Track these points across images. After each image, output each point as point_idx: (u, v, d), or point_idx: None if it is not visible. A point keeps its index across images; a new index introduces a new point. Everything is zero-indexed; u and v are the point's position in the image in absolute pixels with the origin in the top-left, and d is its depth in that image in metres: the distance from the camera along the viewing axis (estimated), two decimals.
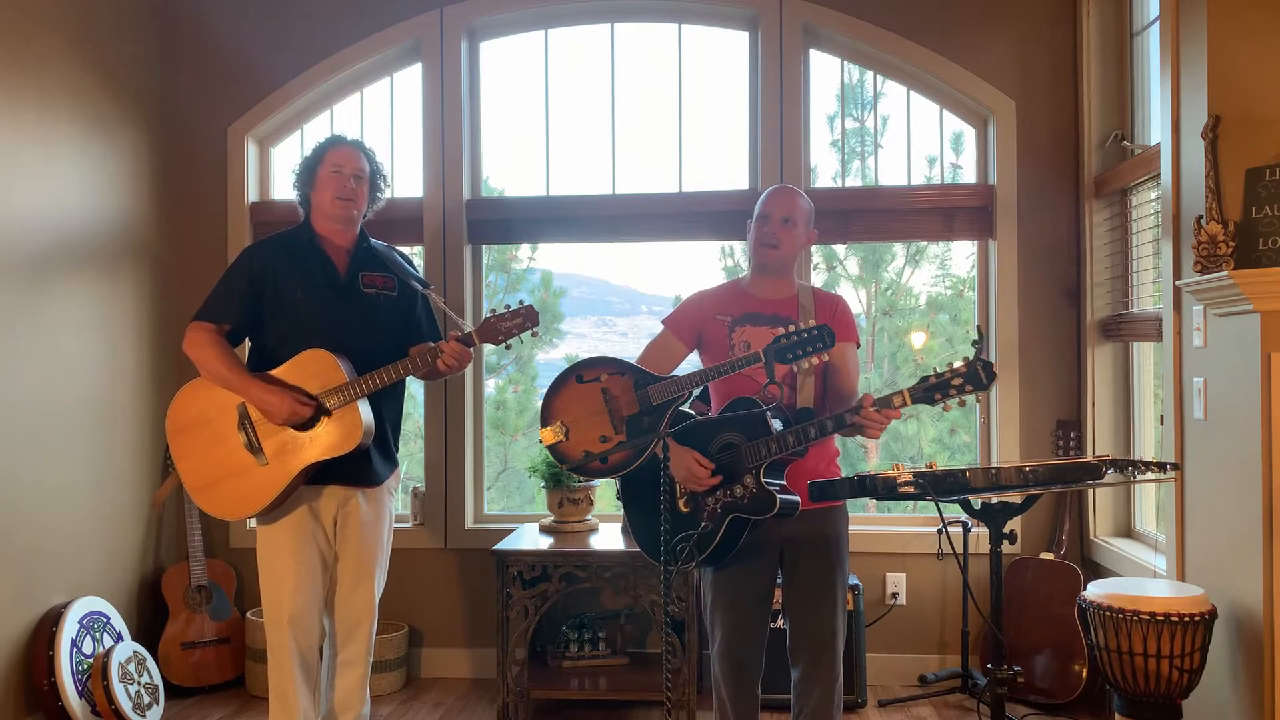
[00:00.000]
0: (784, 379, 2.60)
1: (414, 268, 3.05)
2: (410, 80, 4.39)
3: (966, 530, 3.74)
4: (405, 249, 3.15)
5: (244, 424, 2.79)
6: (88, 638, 3.57)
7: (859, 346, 2.76)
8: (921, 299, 5.01)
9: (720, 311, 2.71)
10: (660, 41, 4.34)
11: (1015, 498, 2.40)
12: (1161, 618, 2.64)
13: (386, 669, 4.01)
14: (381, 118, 4.45)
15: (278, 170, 4.51)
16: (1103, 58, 3.88)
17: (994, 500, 2.40)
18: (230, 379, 2.79)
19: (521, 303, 2.80)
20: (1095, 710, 3.62)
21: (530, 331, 2.79)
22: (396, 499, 3.09)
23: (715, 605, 2.65)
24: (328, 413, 2.74)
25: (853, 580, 3.82)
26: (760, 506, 2.45)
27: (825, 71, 4.28)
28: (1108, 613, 2.72)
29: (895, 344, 4.99)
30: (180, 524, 4.20)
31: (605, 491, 4.22)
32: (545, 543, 3.73)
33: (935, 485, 2.27)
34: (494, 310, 2.80)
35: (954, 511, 2.78)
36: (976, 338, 2.31)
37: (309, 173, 2.93)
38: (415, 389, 4.28)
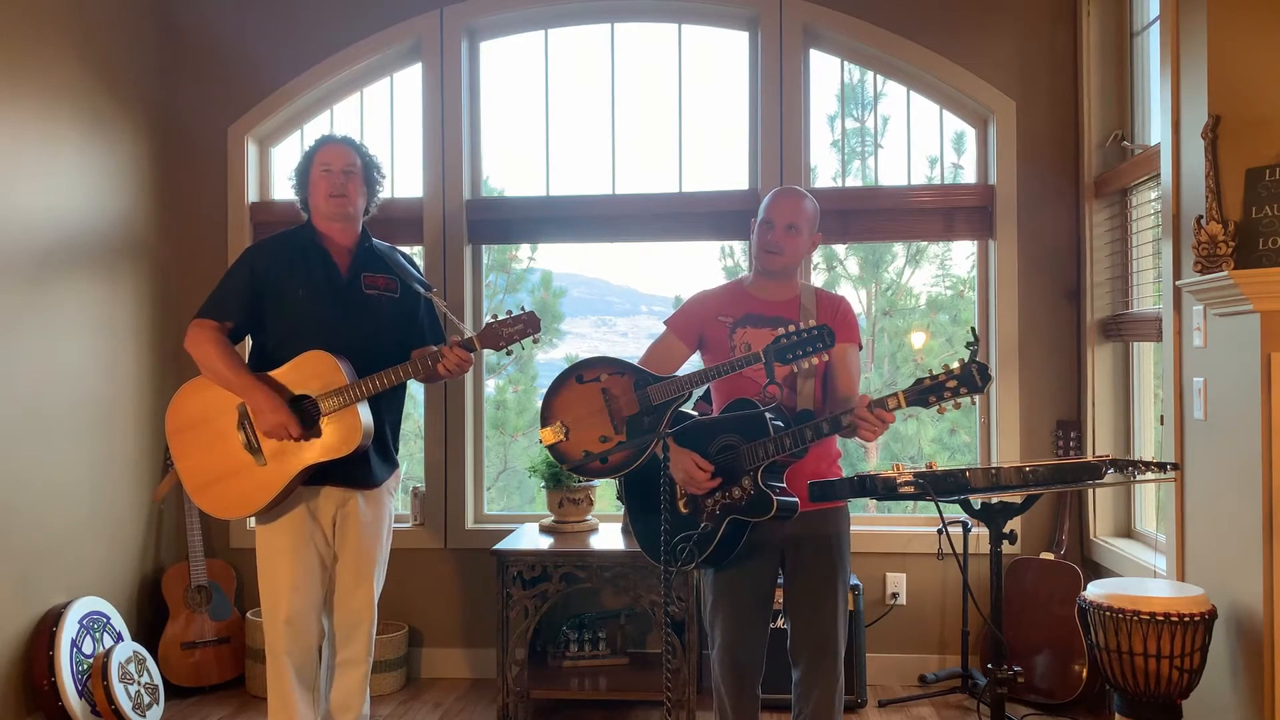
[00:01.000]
0: (784, 380, 2.60)
1: (417, 270, 3.05)
2: (410, 80, 4.39)
3: (966, 530, 3.74)
4: (405, 249, 3.15)
5: (243, 424, 2.79)
6: (88, 638, 3.57)
7: (860, 348, 2.76)
8: (921, 299, 5.01)
9: (721, 312, 2.71)
10: (660, 41, 4.34)
11: (1015, 498, 2.40)
12: (1161, 618, 2.64)
13: (386, 669, 4.01)
14: (381, 118, 4.45)
15: (278, 170, 4.51)
16: (1103, 58, 3.88)
17: (994, 500, 2.40)
18: (231, 378, 2.79)
19: (523, 308, 2.80)
20: (1095, 710, 3.62)
21: (532, 338, 2.79)
22: (396, 499, 3.09)
23: (716, 605, 2.65)
24: (318, 435, 2.74)
25: (853, 580, 3.82)
26: (758, 508, 2.45)
27: (825, 71, 4.28)
28: (1108, 613, 2.72)
29: (895, 344, 4.99)
30: (180, 524, 4.20)
31: (605, 491, 4.22)
32: (545, 543, 3.73)
33: (935, 485, 2.27)
34: (495, 316, 2.80)
35: (954, 511, 2.77)
36: (972, 340, 2.30)
37: (302, 176, 2.94)
38: (415, 389, 4.28)
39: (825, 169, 4.31)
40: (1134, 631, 2.67)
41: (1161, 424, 3.21)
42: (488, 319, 2.80)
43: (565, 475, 3.86)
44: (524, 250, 5.04)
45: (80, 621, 3.56)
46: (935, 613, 4.07)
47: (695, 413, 2.74)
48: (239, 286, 2.87)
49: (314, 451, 2.75)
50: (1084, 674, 3.58)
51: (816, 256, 4.49)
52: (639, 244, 4.43)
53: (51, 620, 3.49)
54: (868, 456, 4.69)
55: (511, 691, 3.58)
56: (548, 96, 4.38)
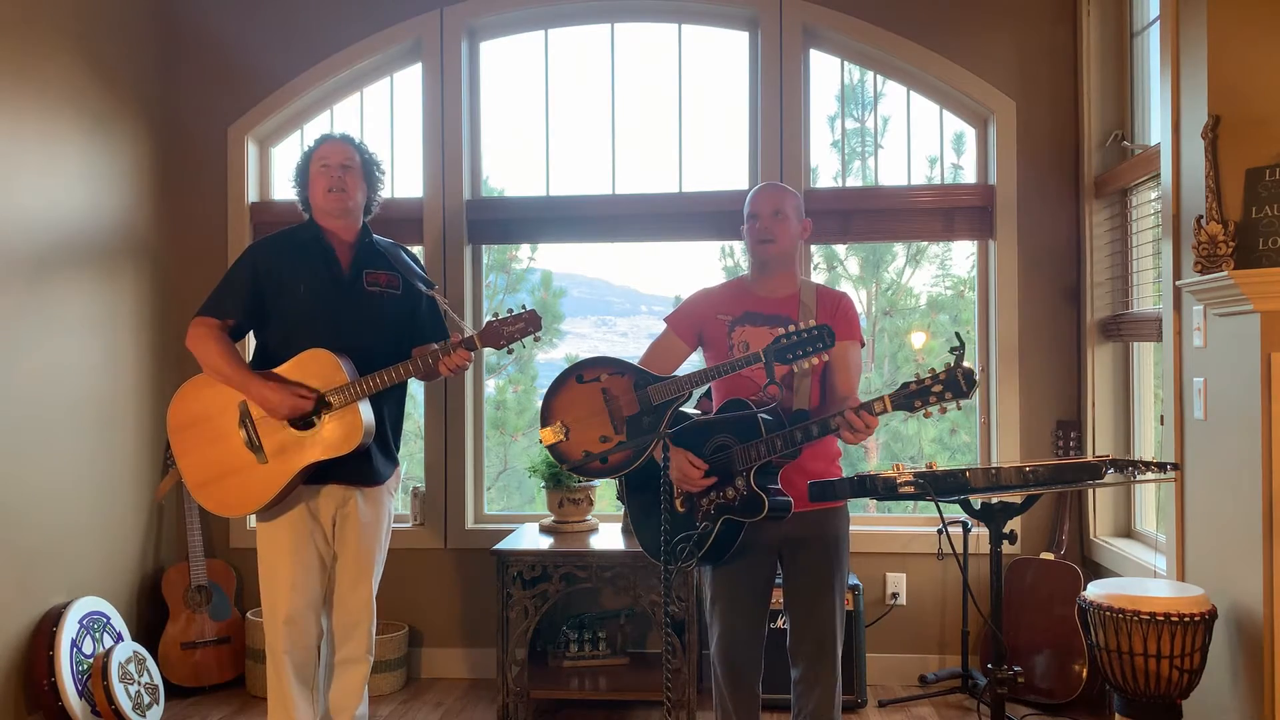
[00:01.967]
0: (782, 379, 2.60)
1: (421, 267, 3.05)
2: (410, 80, 4.39)
3: (966, 530, 3.74)
4: (409, 248, 3.14)
5: (244, 421, 2.79)
6: (88, 638, 3.57)
7: (862, 345, 2.75)
8: (922, 299, 5.01)
9: (721, 310, 2.71)
10: (660, 41, 4.34)
11: (1015, 498, 2.40)
12: (1161, 618, 2.64)
13: (386, 669, 4.01)
14: (381, 118, 4.45)
15: (278, 170, 4.51)
16: (1103, 58, 3.88)
17: (994, 500, 2.39)
18: (231, 375, 2.79)
19: (524, 307, 2.80)
20: (1095, 710, 3.62)
21: (533, 336, 2.79)
22: (396, 499, 3.09)
23: (715, 604, 2.65)
24: (329, 405, 2.74)
25: (853, 580, 3.82)
26: (750, 509, 2.45)
27: (825, 71, 4.28)
28: (1108, 613, 2.72)
29: (895, 344, 4.99)
30: (180, 524, 4.20)
31: (605, 491, 4.22)
32: (545, 543, 3.73)
33: (935, 485, 2.27)
34: (496, 314, 2.80)
35: (954, 511, 2.77)
36: (957, 344, 2.28)
37: (302, 174, 2.95)
38: (415, 389, 4.28)
39: (825, 169, 4.31)
40: (1134, 631, 2.67)
41: (1161, 424, 3.21)
42: (489, 317, 2.80)
43: (565, 475, 3.86)
44: (524, 250, 5.03)
45: (80, 621, 3.56)
46: (935, 613, 4.07)
47: (697, 411, 2.74)
48: (240, 284, 2.87)
49: (315, 449, 2.75)
50: (1084, 674, 3.58)
51: (817, 257, 4.49)
52: (639, 244, 4.43)
53: (51, 620, 3.49)
54: (868, 456, 4.69)
55: (511, 691, 3.58)
56: (548, 96, 4.38)
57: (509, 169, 4.49)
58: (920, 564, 4.06)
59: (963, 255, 4.77)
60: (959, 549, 3.77)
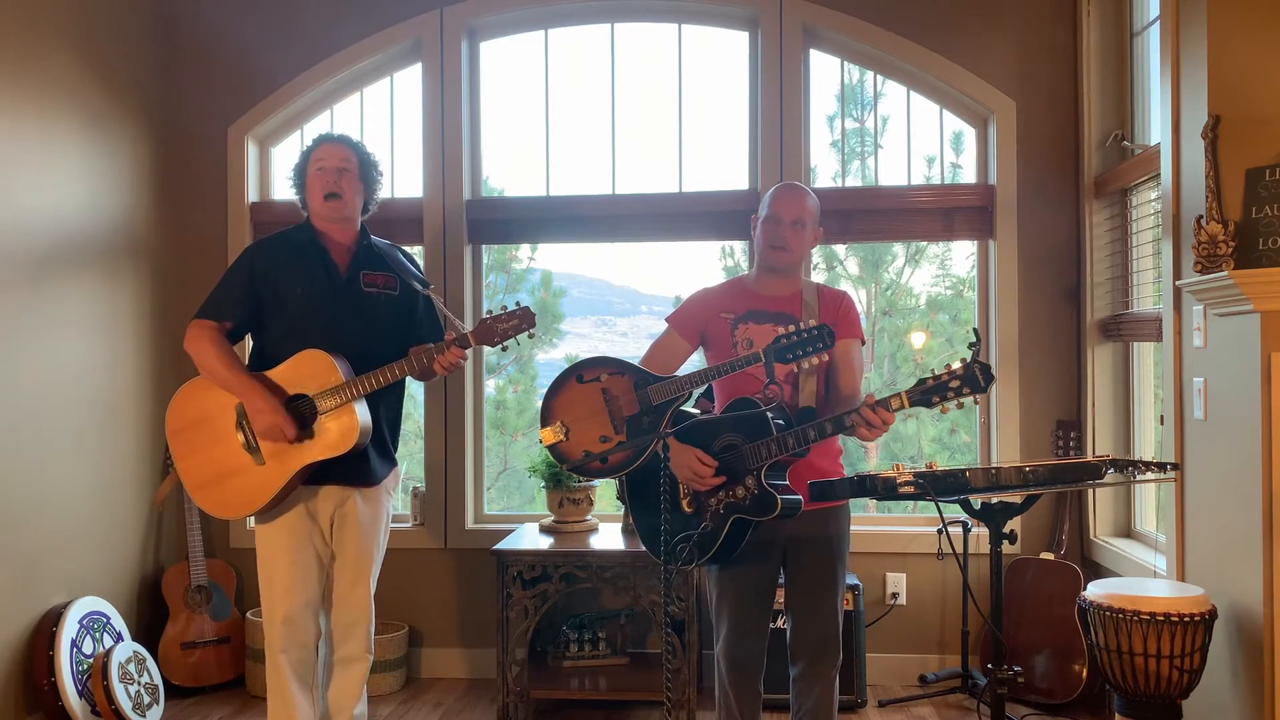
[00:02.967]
0: (786, 378, 2.61)
1: (417, 267, 3.05)
2: (410, 80, 4.39)
3: (966, 530, 3.74)
4: (405, 249, 3.14)
5: (242, 423, 2.79)
6: (88, 638, 3.57)
7: (864, 343, 2.76)
8: (921, 299, 5.01)
9: (723, 309, 2.71)
10: (660, 41, 4.34)
11: (1015, 498, 2.40)
12: (1161, 618, 2.64)
13: (386, 669, 4.01)
14: (381, 118, 4.45)
15: (278, 170, 4.51)
16: (1103, 58, 3.88)
17: (994, 500, 2.39)
18: (228, 378, 2.79)
19: (519, 304, 2.80)
20: (1095, 710, 3.62)
21: (527, 333, 2.78)
22: (395, 499, 3.09)
23: (721, 603, 2.66)
24: (311, 436, 2.74)
25: (853, 580, 3.82)
26: (762, 508, 2.45)
27: (825, 71, 4.28)
28: (1108, 613, 2.72)
29: (895, 344, 4.99)
30: (180, 524, 4.20)
31: (605, 491, 4.22)
32: (545, 543, 3.73)
33: (935, 485, 2.27)
34: (490, 311, 2.79)
35: (954, 511, 2.77)
36: (974, 340, 2.30)
37: (300, 175, 2.94)
38: (415, 389, 4.28)
39: (825, 169, 4.31)
40: (1134, 631, 2.67)
41: (1161, 424, 3.21)
42: (484, 315, 2.80)
43: (565, 475, 3.86)
44: (524, 250, 5.04)
45: (80, 621, 3.56)
46: (935, 613, 4.07)
47: (697, 410, 2.74)
48: (238, 286, 2.87)
49: (312, 451, 2.75)
50: (1084, 674, 3.58)
51: (816, 257, 4.50)
52: (639, 244, 4.43)
53: (51, 620, 3.49)
54: (867, 456, 4.69)
55: (511, 691, 3.58)
56: (548, 96, 4.38)
57: (509, 169, 4.49)
58: (920, 564, 4.06)
59: (962, 255, 4.77)
60: (959, 549, 3.77)
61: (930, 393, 2.32)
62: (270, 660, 2.88)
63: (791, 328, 2.43)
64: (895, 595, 4.07)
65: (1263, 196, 2.64)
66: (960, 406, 2.31)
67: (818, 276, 4.62)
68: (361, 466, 2.85)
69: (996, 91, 4.03)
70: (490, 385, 4.89)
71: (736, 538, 2.50)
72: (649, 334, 2.95)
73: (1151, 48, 3.61)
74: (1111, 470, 2.33)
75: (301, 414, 2.75)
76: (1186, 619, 2.64)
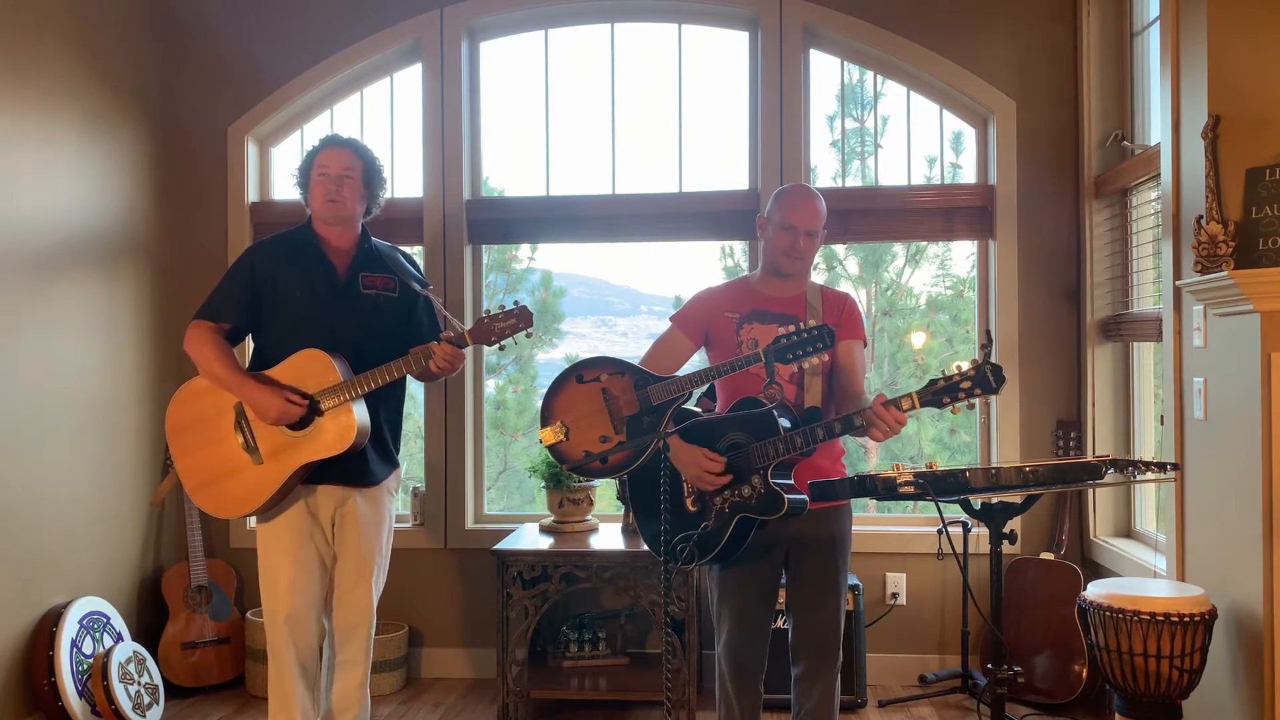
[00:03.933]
0: (792, 378, 2.61)
1: (417, 269, 3.05)
2: (410, 80, 4.39)
3: (966, 530, 3.74)
4: (405, 249, 3.15)
5: (240, 423, 2.79)
6: (88, 638, 3.57)
7: (865, 344, 2.77)
8: (921, 299, 5.02)
9: (728, 309, 2.71)
10: (660, 41, 4.34)
11: (1015, 498, 2.40)
12: (1161, 618, 2.64)
13: (386, 669, 4.01)
14: (381, 118, 4.45)
15: (278, 170, 4.51)
16: (1103, 58, 3.88)
17: (994, 500, 2.40)
18: (225, 378, 2.79)
19: (516, 303, 2.79)
20: (1095, 710, 3.62)
21: (525, 332, 2.78)
22: (397, 499, 3.09)
23: (721, 603, 2.66)
24: (320, 412, 2.74)
25: (853, 580, 3.82)
26: (769, 507, 2.45)
27: (825, 71, 4.28)
28: (1108, 613, 2.72)
29: (895, 344, 5.00)
30: (180, 524, 4.20)
31: (605, 491, 4.22)
32: (545, 543, 3.73)
33: (935, 485, 2.27)
34: (488, 311, 2.79)
35: (954, 511, 2.77)
36: (985, 341, 2.31)
37: (303, 177, 2.94)
38: (415, 389, 4.28)
39: (825, 169, 4.31)
40: (1134, 631, 2.67)
41: (1161, 424, 3.21)
42: (481, 314, 2.80)
43: (565, 475, 3.86)
44: (524, 250, 5.04)
45: (80, 621, 3.56)
46: (935, 613, 4.07)
47: (699, 410, 2.75)
48: (238, 287, 2.87)
49: (310, 450, 2.75)
50: (1084, 674, 3.58)
51: (817, 256, 4.49)
52: (639, 244, 4.43)
53: (51, 620, 3.49)
54: (868, 456, 4.69)
55: (511, 691, 3.58)
56: (548, 97, 4.38)
57: (509, 169, 4.49)
58: (920, 564, 4.06)
59: (962, 255, 4.78)
60: (959, 549, 3.78)
61: (941, 393, 2.32)
62: (272, 661, 2.88)
63: (792, 328, 2.43)
64: (895, 595, 4.07)
65: (1263, 196, 2.65)
66: (971, 408, 2.32)
67: (818, 277, 4.61)
68: (360, 467, 2.85)
69: (996, 91, 4.03)
70: (490, 385, 4.89)
71: (740, 537, 2.50)
72: (649, 334, 2.95)
73: (1151, 48, 3.61)
74: (1111, 470, 2.33)
75: (295, 418, 2.75)
76: (1186, 619, 2.64)
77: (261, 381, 2.76)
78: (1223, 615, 2.74)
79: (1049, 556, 3.83)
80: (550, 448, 2.66)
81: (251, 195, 4.38)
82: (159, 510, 4.18)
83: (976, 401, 2.32)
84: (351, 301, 2.87)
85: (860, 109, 4.35)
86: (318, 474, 2.80)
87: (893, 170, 4.27)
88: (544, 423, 2.66)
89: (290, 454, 2.75)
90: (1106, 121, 3.88)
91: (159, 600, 4.04)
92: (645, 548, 2.68)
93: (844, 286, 4.95)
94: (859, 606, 3.75)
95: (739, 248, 4.68)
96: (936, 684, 3.92)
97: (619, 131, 4.33)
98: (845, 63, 4.28)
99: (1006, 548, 2.47)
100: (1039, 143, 4.02)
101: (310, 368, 2.76)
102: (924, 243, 4.72)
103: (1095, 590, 2.83)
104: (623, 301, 5.68)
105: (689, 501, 2.58)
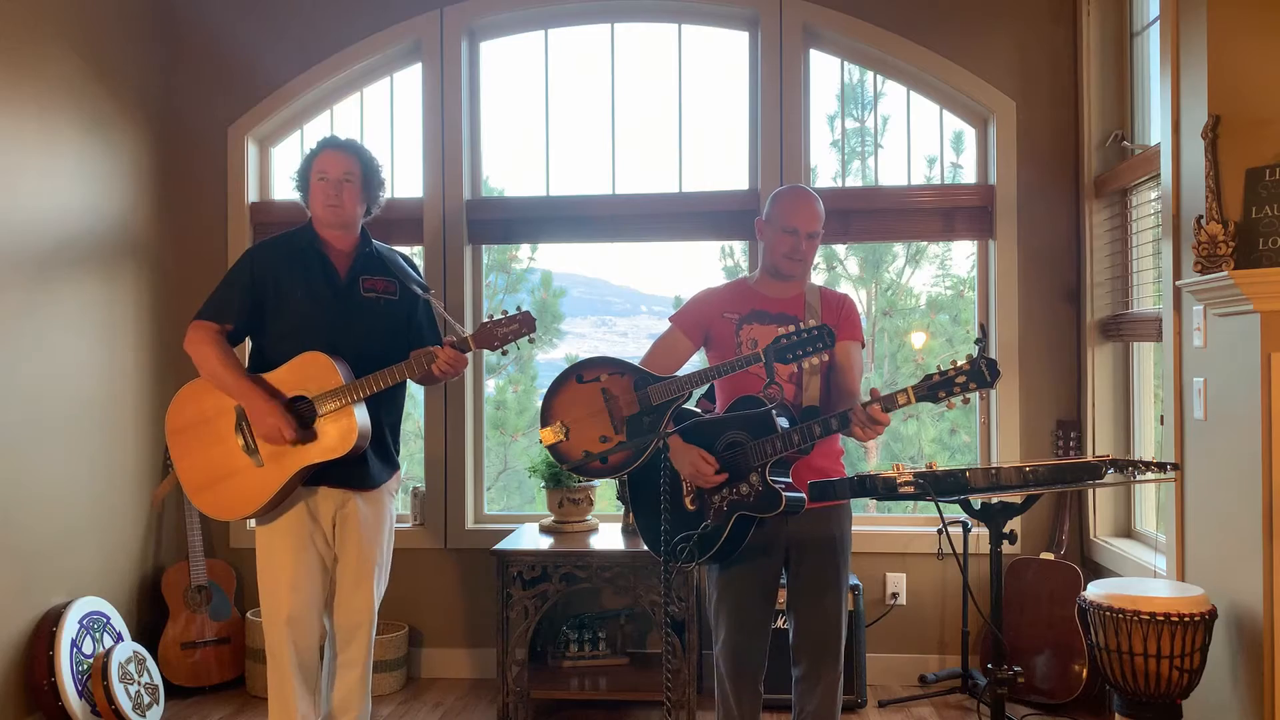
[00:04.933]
0: (791, 378, 2.62)
1: (417, 271, 3.05)
2: (410, 80, 4.39)
3: (966, 530, 3.74)
4: (405, 249, 3.15)
5: (241, 425, 2.79)
6: (88, 638, 3.57)
7: (863, 345, 2.77)
8: (921, 299, 5.01)
9: (727, 309, 2.72)
10: (660, 41, 4.34)
11: (1015, 498, 2.40)
12: (1161, 618, 2.64)
13: (386, 669, 4.01)
14: (381, 118, 4.45)
15: (278, 170, 4.51)
16: (1103, 58, 3.88)
17: (994, 500, 2.40)
18: (227, 381, 2.78)
19: (519, 308, 2.79)
20: (1095, 710, 3.62)
21: (527, 337, 2.78)
22: (397, 500, 3.09)
23: (720, 603, 2.66)
24: (313, 437, 2.73)
25: (853, 580, 3.81)
26: (766, 504, 2.46)
27: (825, 71, 4.28)
28: (1108, 613, 2.72)
29: (895, 344, 5.00)
30: (180, 524, 4.20)
31: (605, 491, 4.22)
32: (545, 543, 3.73)
33: (935, 485, 2.27)
34: (491, 315, 2.79)
35: (954, 511, 2.77)
36: (979, 336, 2.32)
37: (303, 179, 2.93)
38: (415, 390, 4.28)
39: (825, 169, 4.31)
40: (1134, 631, 2.67)
41: (1161, 424, 3.21)
42: (484, 318, 2.79)
43: (565, 475, 3.86)
44: (524, 250, 5.04)
45: (80, 621, 3.56)
46: (935, 613, 4.07)
47: (699, 410, 2.75)
48: (238, 289, 2.87)
49: (311, 453, 2.75)
50: (1084, 674, 3.58)
51: (817, 257, 4.49)
52: (639, 244, 4.43)
53: (51, 620, 3.49)
54: (867, 456, 4.69)
55: (512, 691, 3.58)
56: (548, 97, 4.38)
57: (509, 169, 4.49)
58: (920, 564, 4.06)
59: (963, 255, 4.78)
60: (959, 549, 3.78)
61: (937, 387, 2.33)
62: (272, 662, 2.88)
63: (792, 328, 2.43)
64: (895, 595, 4.07)
65: (1263, 196, 2.65)
66: (966, 402, 2.32)
67: (818, 277, 4.62)
68: (361, 470, 2.85)
69: (996, 92, 4.03)
70: (490, 385, 4.89)
71: (739, 535, 2.50)
72: (649, 334, 2.95)
73: (1151, 48, 3.61)
74: (1111, 470, 2.33)
75: (301, 416, 2.75)
76: (1186, 619, 2.64)
77: (264, 387, 2.75)
78: (1223, 615, 2.74)
79: (1049, 556, 3.83)
80: (550, 448, 2.66)
81: (251, 195, 4.38)
82: (158, 510, 4.18)
83: (973, 397, 2.32)
84: (352, 304, 2.87)
85: (860, 109, 4.36)
86: (318, 476, 2.80)
87: (893, 170, 4.27)
88: (544, 423, 2.66)
89: (291, 456, 2.75)
90: (1106, 121, 3.88)
91: (159, 600, 4.04)
92: (645, 548, 2.68)
93: (844, 286, 4.95)
94: (859, 606, 3.75)
95: (739, 248, 4.68)
96: (936, 684, 3.92)
97: (619, 131, 4.33)
98: (845, 63, 4.28)
99: (1006, 548, 2.47)
100: (1039, 143, 4.02)
101: (312, 370, 2.76)
102: (924, 243, 4.72)
103: (1095, 590, 2.83)
104: (623, 301, 5.69)
105: (688, 500, 2.59)
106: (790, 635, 2.69)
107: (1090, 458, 2.50)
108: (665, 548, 2.39)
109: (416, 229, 4.28)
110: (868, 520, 4.23)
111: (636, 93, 4.34)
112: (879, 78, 4.28)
